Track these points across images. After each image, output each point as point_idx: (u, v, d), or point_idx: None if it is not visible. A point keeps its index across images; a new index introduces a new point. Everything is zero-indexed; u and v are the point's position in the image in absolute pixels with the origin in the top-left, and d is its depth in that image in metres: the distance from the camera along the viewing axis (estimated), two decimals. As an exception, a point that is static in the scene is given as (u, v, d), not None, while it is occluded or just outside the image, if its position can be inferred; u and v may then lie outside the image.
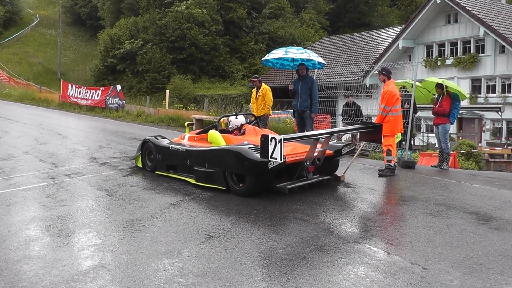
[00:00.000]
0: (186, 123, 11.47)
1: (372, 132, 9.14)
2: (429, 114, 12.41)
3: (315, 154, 7.78)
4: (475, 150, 16.09)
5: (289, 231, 5.66)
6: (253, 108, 12.69)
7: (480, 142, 24.52)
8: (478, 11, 26.20)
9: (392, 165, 9.41)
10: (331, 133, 8.24)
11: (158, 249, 5.12)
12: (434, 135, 11.80)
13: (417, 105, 12.41)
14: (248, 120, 10.12)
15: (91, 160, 10.81)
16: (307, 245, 5.20)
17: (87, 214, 6.66)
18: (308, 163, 7.71)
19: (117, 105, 20.94)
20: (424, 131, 24.50)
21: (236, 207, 6.80)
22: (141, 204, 7.03)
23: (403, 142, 11.86)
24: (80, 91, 23.93)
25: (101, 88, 24.11)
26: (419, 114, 17.92)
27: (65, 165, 10.33)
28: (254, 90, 12.81)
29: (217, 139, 8.47)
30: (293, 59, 11.82)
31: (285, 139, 6.69)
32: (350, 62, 33.72)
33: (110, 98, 21.45)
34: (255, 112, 12.44)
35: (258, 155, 6.89)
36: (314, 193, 7.65)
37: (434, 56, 29.27)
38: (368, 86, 25.69)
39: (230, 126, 9.25)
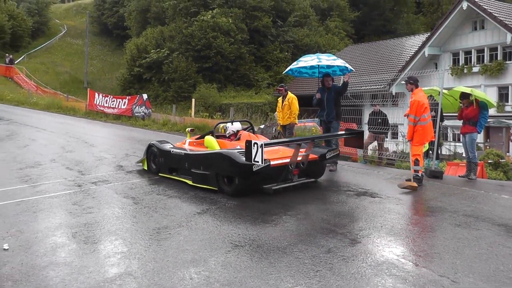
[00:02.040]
0: (187, 129, 11.90)
1: (355, 138, 9.78)
2: (456, 122, 12.22)
3: (299, 158, 8.37)
4: (503, 160, 15.74)
5: (316, 242, 5.61)
6: (279, 117, 12.64)
7: (508, 152, 23.98)
8: (505, 17, 25.77)
9: (420, 175, 9.28)
10: (312, 139, 9.17)
11: (184, 258, 5.13)
12: (461, 144, 11.60)
13: (444, 114, 12.23)
14: (246, 127, 10.57)
15: (117, 168, 10.90)
16: (334, 255, 5.14)
17: (113, 222, 6.71)
18: (292, 167, 8.27)
19: (143, 113, 21.13)
20: (451, 140, 24.15)
21: (261, 216, 6.77)
22: (167, 212, 7.05)
23: (430, 152, 11.68)
24: (106, 99, 24.23)
25: (127, 97, 24.37)
26: (446, 122, 17.64)
27: (91, 173, 10.43)
28: (280, 99, 12.75)
29: (212, 144, 9.12)
30: (318, 66, 11.70)
31: (266, 144, 7.44)
32: (376, 70, 33.45)
33: (137, 107, 21.67)
34: (281, 121, 12.39)
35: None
36: (341, 203, 7.58)
37: (460, 64, 28.86)
38: (394, 94, 25.40)
39: (227, 132, 9.86)
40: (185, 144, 10.13)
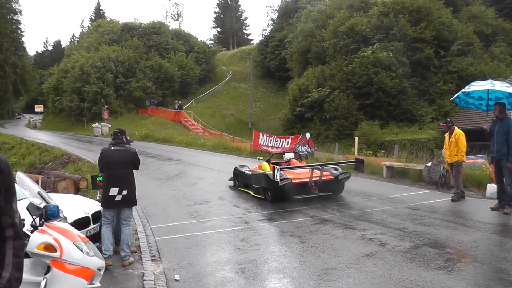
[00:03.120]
0: (258, 157, 16.69)
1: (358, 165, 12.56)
2: None
3: (315, 178, 11.52)
4: None
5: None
6: (446, 154, 11.90)
7: None
8: None
9: None
10: (321, 165, 12.17)
11: (355, 302, 4.97)
12: None
13: None
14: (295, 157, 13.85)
15: (282, 207, 11.07)
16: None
17: (280, 260, 6.77)
18: (311, 184, 11.57)
19: (306, 152, 21.37)
20: None
21: (434, 262, 6.36)
22: (335, 253, 6.95)
23: None
24: (270, 139, 25.00)
25: (290, 136, 24.90)
26: None
27: (258, 211, 10.73)
28: (446, 135, 12.05)
29: (266, 168, 12.76)
30: (487, 98, 10.86)
31: (283, 168, 11.68)
32: None
33: (300, 146, 22.02)
34: (448, 159, 11.65)
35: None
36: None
37: None
38: None
39: (284, 159, 13.43)
40: (256, 168, 13.54)
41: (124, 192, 7.16)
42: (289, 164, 12.67)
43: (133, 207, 7.73)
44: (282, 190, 11.32)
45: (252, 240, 8.01)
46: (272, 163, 12.74)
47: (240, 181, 13.82)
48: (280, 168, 11.23)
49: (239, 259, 6.95)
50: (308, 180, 11.49)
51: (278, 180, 10.81)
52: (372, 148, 28.06)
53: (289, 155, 13.50)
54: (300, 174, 11.87)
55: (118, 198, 7.16)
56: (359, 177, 15.56)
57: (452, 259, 6.44)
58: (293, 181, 11.19)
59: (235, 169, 14.36)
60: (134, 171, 7.54)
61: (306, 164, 13.05)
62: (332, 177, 11.67)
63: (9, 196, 2.54)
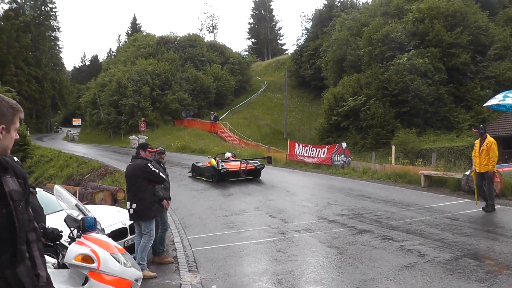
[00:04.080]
0: (208, 156, 22.73)
1: (268, 159, 21.64)
2: None
3: (243, 168, 17.97)
4: None
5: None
6: (475, 162, 11.19)
7: None
8: None
9: None
10: (246, 160, 19.11)
11: (395, 315, 4.87)
12: None
13: None
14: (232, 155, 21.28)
15: (319, 217, 10.98)
16: None
17: (318, 271, 6.71)
18: (241, 171, 17.97)
19: (343, 162, 21.19)
20: None
21: (475, 273, 6.19)
22: (373, 264, 6.84)
23: None
24: (306, 149, 24.90)
25: (326, 146, 24.75)
26: None
27: (294, 221, 10.66)
28: (477, 142, 11.38)
29: (213, 163, 18.33)
30: None
31: (223, 160, 18.74)
32: None
33: (336, 155, 21.86)
34: (477, 168, 11.10)
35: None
36: None
37: None
38: None
39: (225, 157, 20.43)
40: (207, 164, 19.35)
41: (134, 206, 7.28)
42: (228, 160, 19.66)
43: (170, 217, 7.80)
44: (222, 175, 17.65)
45: (289, 250, 7.97)
46: (217, 159, 18.66)
47: (196, 172, 19.82)
48: (221, 161, 18.41)
49: (276, 270, 6.92)
50: (238, 169, 17.95)
51: (220, 169, 17.45)
52: (409, 157, 27.60)
53: (228, 154, 21.07)
54: (234, 165, 18.26)
55: (131, 211, 7.34)
56: (397, 187, 15.37)
57: (493, 271, 6.26)
58: (229, 170, 17.74)
59: (192, 164, 20.61)
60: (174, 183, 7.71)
61: (237, 159, 19.83)
62: (253, 167, 18.37)
63: (28, 202, 2.71)
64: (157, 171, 7.34)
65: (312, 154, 24.28)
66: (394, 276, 6.19)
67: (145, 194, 7.32)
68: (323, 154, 23.13)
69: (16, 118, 2.64)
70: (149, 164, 7.34)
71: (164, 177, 7.56)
